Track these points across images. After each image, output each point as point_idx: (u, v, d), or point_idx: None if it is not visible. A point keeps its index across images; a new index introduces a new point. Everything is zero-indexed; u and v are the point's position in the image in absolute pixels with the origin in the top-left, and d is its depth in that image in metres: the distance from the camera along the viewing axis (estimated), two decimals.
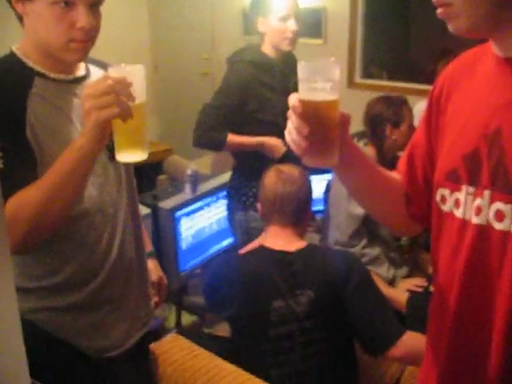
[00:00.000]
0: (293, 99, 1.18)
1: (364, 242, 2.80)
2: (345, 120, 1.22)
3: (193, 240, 3.45)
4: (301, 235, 2.24)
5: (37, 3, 1.48)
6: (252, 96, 2.92)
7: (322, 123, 1.17)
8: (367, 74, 5.75)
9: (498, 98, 1.12)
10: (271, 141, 2.91)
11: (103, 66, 1.81)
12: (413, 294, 2.71)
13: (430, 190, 1.30)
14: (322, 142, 1.18)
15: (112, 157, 1.67)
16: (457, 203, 1.19)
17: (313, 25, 5.70)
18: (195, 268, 3.48)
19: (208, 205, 3.54)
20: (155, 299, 2.08)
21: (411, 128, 2.85)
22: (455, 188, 1.19)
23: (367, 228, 2.82)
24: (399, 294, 2.73)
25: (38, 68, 1.56)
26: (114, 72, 1.35)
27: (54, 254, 1.63)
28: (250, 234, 2.93)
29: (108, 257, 1.70)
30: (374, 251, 2.80)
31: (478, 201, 1.13)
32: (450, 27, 1.11)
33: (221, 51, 6.20)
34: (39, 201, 1.39)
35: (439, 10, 1.10)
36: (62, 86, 1.60)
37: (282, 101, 2.92)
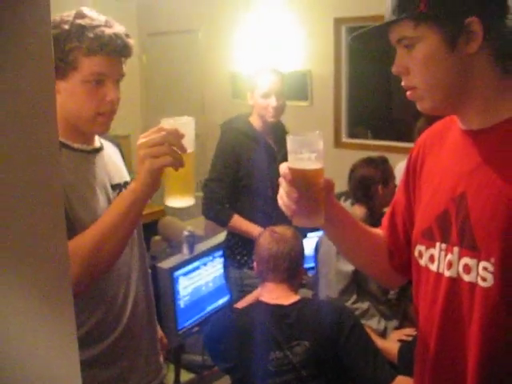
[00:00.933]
0: (283, 168, 1.37)
1: (354, 297, 2.91)
2: (329, 185, 1.39)
3: (191, 298, 3.54)
4: (295, 290, 2.38)
5: (69, 82, 1.64)
6: (242, 163, 3.17)
7: (308, 188, 1.34)
8: (353, 134, 5.96)
9: (461, 166, 1.28)
10: None
11: (109, 139, 1.98)
12: (403, 344, 2.82)
13: (410, 244, 1.45)
14: (309, 204, 1.35)
15: None
16: (431, 258, 1.33)
17: (299, 87, 5.94)
18: (193, 326, 3.56)
19: (205, 264, 3.66)
20: None
21: (395, 185, 3.02)
22: (430, 245, 1.34)
23: (356, 284, 2.95)
24: (391, 344, 2.83)
25: (63, 140, 1.69)
26: (166, 124, 1.50)
27: (76, 309, 1.73)
28: (244, 292, 3.06)
29: (124, 312, 1.82)
30: (364, 305, 2.91)
31: (449, 256, 1.27)
32: (418, 106, 1.29)
33: (211, 114, 6.42)
34: (93, 242, 1.50)
35: (408, 93, 1.28)
36: (84, 157, 1.75)
37: (269, 169, 3.13)
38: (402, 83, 1.28)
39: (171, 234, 5.17)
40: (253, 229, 3.07)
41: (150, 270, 2.08)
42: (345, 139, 5.87)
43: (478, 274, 1.21)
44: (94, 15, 1.68)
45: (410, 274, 1.47)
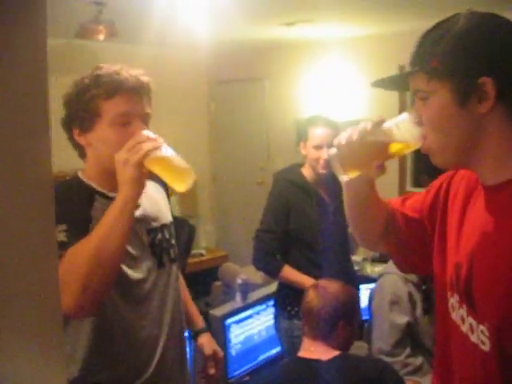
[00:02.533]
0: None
1: (407, 351, 2.83)
2: (381, 169, 1.38)
3: (242, 347, 3.53)
4: (335, 346, 2.30)
5: (98, 130, 1.70)
6: (293, 215, 3.16)
7: (372, 151, 1.37)
8: (417, 183, 5.86)
9: (476, 221, 1.26)
10: None
11: (158, 179, 2.01)
12: None
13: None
14: (359, 157, 1.40)
15: (160, 264, 1.85)
16: (452, 307, 1.32)
17: None
18: (244, 375, 3.54)
19: (258, 313, 3.65)
20: (211, 371, 2.20)
21: None
22: (451, 294, 1.32)
23: (410, 337, 2.86)
24: None
25: (98, 188, 1.76)
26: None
27: (108, 351, 1.76)
28: (294, 343, 3.01)
29: (153, 357, 1.82)
30: (418, 361, 2.82)
31: (461, 311, 1.26)
32: (432, 161, 1.28)
33: (276, 161, 6.47)
34: (91, 251, 1.50)
35: (422, 148, 1.28)
36: None
37: (320, 221, 3.11)
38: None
39: (231, 279, 5.17)
40: (304, 280, 3.03)
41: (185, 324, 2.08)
42: (409, 188, 5.77)
43: (478, 336, 1.20)
44: (111, 66, 1.74)
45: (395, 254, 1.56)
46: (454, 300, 1.30)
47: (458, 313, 1.27)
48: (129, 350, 1.78)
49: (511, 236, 1.14)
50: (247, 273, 4.87)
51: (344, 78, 6.06)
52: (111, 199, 1.72)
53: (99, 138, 1.72)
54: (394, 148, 1.35)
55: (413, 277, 2.91)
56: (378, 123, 1.35)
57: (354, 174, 1.42)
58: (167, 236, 1.94)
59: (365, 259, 4.95)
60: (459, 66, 1.17)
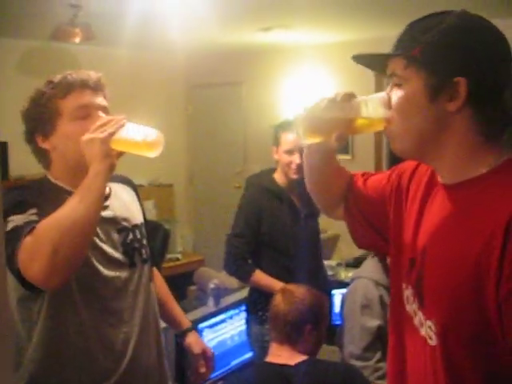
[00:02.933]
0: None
1: (378, 355, 2.83)
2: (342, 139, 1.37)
3: (215, 352, 3.51)
4: (302, 351, 2.29)
5: (59, 128, 1.74)
6: (264, 219, 3.16)
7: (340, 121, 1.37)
8: None
9: (432, 218, 1.26)
10: None
11: (126, 181, 2.03)
12: None
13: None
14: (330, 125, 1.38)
15: (132, 263, 1.86)
16: (407, 299, 1.32)
17: None
18: (217, 380, 3.52)
19: (231, 317, 3.63)
20: (202, 370, 2.21)
21: None
22: (406, 286, 1.33)
23: (381, 342, 2.87)
24: None
25: (69, 188, 1.75)
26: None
27: (75, 350, 1.75)
28: (265, 348, 3.00)
29: (123, 356, 1.81)
30: None
31: (414, 305, 1.28)
32: (392, 148, 1.29)
33: (253, 165, 6.47)
34: (62, 217, 1.52)
35: (385, 132, 1.30)
36: None
37: (292, 227, 3.10)
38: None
39: (206, 284, 5.16)
40: (275, 284, 3.04)
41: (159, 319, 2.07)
42: None
43: (426, 331, 1.21)
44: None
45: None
46: (408, 292, 1.31)
47: (412, 306, 1.29)
48: (96, 348, 1.77)
49: (463, 237, 1.14)
50: (223, 277, 4.86)
51: (319, 84, 6.09)
52: None
53: (63, 136, 1.75)
54: (358, 123, 1.35)
55: (384, 281, 2.93)
56: (349, 96, 1.35)
57: (314, 140, 1.43)
58: (138, 236, 1.94)
59: (339, 264, 4.97)
60: (438, 60, 1.17)
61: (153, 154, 1.67)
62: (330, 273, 4.69)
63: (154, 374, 1.94)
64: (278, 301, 2.40)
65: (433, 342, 1.18)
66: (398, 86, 1.23)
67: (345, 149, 5.98)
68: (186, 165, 7.57)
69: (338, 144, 1.37)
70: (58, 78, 1.77)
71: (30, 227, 1.52)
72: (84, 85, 1.76)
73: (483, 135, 1.18)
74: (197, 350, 2.22)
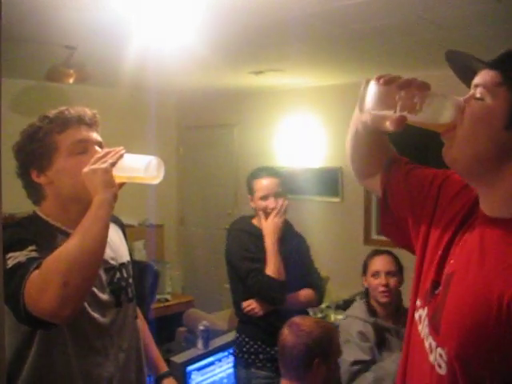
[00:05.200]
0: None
1: None
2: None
3: None
4: None
5: (56, 163, 1.76)
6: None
7: None
8: None
9: (464, 245, 1.24)
10: None
11: (111, 218, 2.03)
12: None
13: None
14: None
15: (118, 303, 1.88)
16: (420, 318, 1.31)
17: (330, 183, 6.00)
18: None
19: (219, 360, 3.61)
20: None
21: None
22: (423, 305, 1.31)
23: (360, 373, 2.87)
24: None
25: (62, 226, 1.77)
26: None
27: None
28: None
29: None
30: None
31: (426, 329, 1.26)
32: (444, 153, 1.24)
33: (243, 207, 6.48)
34: (70, 250, 1.52)
35: (444, 133, 1.23)
36: None
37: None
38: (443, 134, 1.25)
39: (195, 326, 5.13)
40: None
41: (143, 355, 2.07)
42: (374, 236, 5.83)
43: (435, 357, 1.20)
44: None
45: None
46: (423, 313, 1.29)
47: (424, 328, 1.27)
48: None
49: (488, 274, 1.14)
50: (212, 319, 4.84)
51: (311, 126, 6.16)
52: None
53: (60, 171, 1.76)
54: (421, 117, 1.26)
55: (369, 319, 2.97)
56: (426, 87, 1.26)
57: (376, 111, 1.32)
58: (125, 275, 1.96)
59: (328, 307, 4.95)
60: None
61: (155, 180, 1.72)
62: (319, 315, 4.68)
63: None
64: (285, 334, 2.34)
65: (442, 370, 1.17)
66: (481, 99, 1.18)
67: (334, 191, 6.01)
68: (176, 205, 7.58)
69: (395, 128, 1.26)
70: (53, 113, 1.80)
71: (35, 262, 1.52)
72: (80, 120, 1.80)
73: None
74: None
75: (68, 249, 1.53)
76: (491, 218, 1.20)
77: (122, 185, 1.72)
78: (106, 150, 1.74)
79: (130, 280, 1.98)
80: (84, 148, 1.78)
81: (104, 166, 1.65)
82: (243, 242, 3.17)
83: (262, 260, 3.08)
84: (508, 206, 1.18)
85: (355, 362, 2.84)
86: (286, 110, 6.34)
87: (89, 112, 1.84)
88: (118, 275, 1.92)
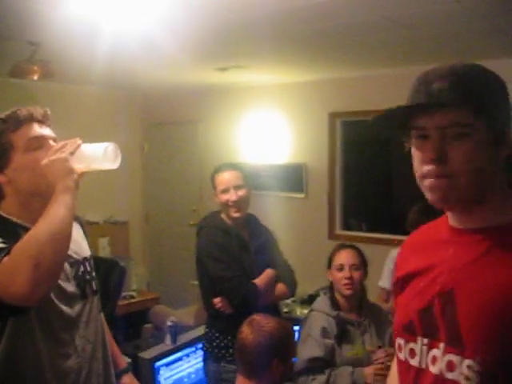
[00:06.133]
0: None
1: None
2: None
3: None
4: None
5: (14, 161, 1.79)
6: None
7: None
8: (347, 226, 6.01)
9: (451, 262, 1.29)
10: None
11: (75, 218, 2.05)
12: None
13: None
14: None
15: (83, 295, 1.92)
16: (412, 353, 1.33)
17: (295, 179, 6.06)
18: None
19: (187, 355, 3.64)
20: None
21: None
22: (410, 339, 1.34)
23: (315, 371, 2.92)
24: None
25: (22, 222, 1.79)
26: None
27: (30, 379, 1.79)
28: None
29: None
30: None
31: (435, 351, 1.26)
32: (432, 196, 1.28)
33: (208, 204, 6.50)
34: (39, 233, 1.57)
35: (434, 181, 1.26)
36: None
37: (242, 260, 3.13)
38: (433, 170, 1.25)
39: (161, 322, 5.13)
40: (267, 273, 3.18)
41: (109, 348, 2.11)
42: (339, 231, 5.91)
43: (461, 372, 1.20)
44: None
45: None
46: (416, 345, 1.32)
47: (426, 356, 1.29)
48: (50, 379, 1.80)
49: (497, 271, 1.20)
50: (179, 315, 4.85)
51: (275, 123, 6.21)
52: None
53: (17, 168, 1.80)
54: None
55: (333, 313, 3.02)
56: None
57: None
58: (89, 269, 2.01)
59: (294, 301, 5.01)
60: (498, 109, 1.25)
61: (114, 165, 1.78)
62: (285, 310, 4.73)
63: None
64: (246, 333, 2.34)
65: (470, 382, 1.18)
66: (461, 136, 1.22)
67: (298, 187, 6.07)
68: (141, 202, 7.56)
69: None
70: (5, 114, 1.84)
71: (3, 251, 1.56)
72: (32, 118, 1.84)
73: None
74: None
75: (37, 232, 1.58)
76: (470, 230, 1.29)
77: (82, 175, 1.77)
78: (62, 142, 1.80)
79: (94, 274, 2.03)
80: (39, 144, 1.82)
81: (63, 155, 1.72)
82: (215, 240, 3.18)
83: (235, 258, 3.12)
84: (489, 216, 1.27)
85: (311, 360, 2.90)
86: (250, 107, 6.38)
87: (40, 110, 1.88)
88: (81, 268, 1.96)
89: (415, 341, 1.32)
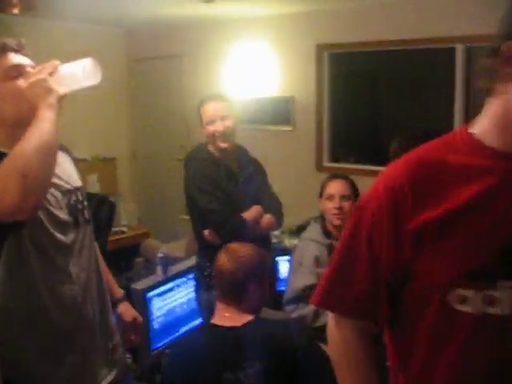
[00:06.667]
0: None
1: (299, 312, 3.01)
2: None
3: (164, 319, 3.60)
4: (247, 310, 2.33)
5: None
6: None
7: None
8: (335, 158, 6.04)
9: None
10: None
11: (63, 148, 2.08)
12: None
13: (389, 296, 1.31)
14: None
15: (76, 223, 1.96)
16: (492, 301, 1.17)
17: (282, 112, 6.07)
18: (167, 347, 3.61)
19: (179, 286, 3.72)
20: (132, 337, 2.33)
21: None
22: (486, 287, 1.17)
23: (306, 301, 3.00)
24: None
25: (5, 150, 1.76)
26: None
27: (29, 305, 1.85)
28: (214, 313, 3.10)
29: (72, 314, 1.93)
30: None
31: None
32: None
33: (195, 138, 6.49)
34: (25, 146, 1.61)
35: None
36: None
37: (231, 191, 3.15)
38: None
39: (152, 255, 5.22)
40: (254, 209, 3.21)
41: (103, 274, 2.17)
42: (327, 163, 5.95)
43: None
44: None
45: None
46: (495, 291, 1.17)
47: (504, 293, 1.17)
48: (48, 304, 1.86)
49: None
50: (170, 248, 4.93)
51: (262, 56, 6.16)
52: None
53: None
54: None
55: (325, 241, 3.09)
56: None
57: None
58: (80, 198, 2.03)
59: (283, 232, 5.08)
60: None
61: (95, 80, 1.80)
62: (274, 240, 4.80)
63: (97, 329, 2.04)
64: (223, 260, 2.39)
65: None
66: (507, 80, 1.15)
67: (286, 120, 6.07)
68: (128, 138, 7.54)
69: None
70: None
71: None
72: (7, 48, 1.83)
73: None
74: (127, 317, 2.33)
75: (22, 146, 1.61)
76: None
77: (63, 96, 1.78)
78: (40, 66, 1.81)
79: (85, 203, 2.05)
80: (18, 72, 1.81)
81: (41, 76, 1.75)
82: (202, 172, 3.20)
83: (223, 190, 3.15)
84: None
85: (305, 288, 2.97)
86: (237, 40, 6.30)
87: (12, 40, 1.87)
88: (73, 198, 1.99)
89: (494, 287, 1.16)
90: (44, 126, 1.66)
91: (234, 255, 2.39)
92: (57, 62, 1.80)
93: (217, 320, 2.34)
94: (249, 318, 2.29)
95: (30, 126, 1.67)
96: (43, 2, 4.46)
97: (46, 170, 1.66)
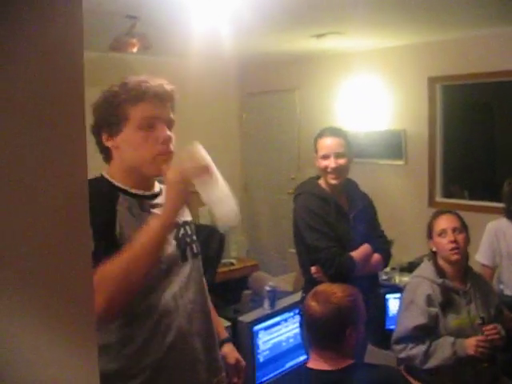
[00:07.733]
0: None
1: (409, 352, 2.91)
2: None
3: (270, 353, 3.58)
4: (346, 355, 2.23)
5: (125, 132, 1.84)
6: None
7: None
8: (449, 194, 5.85)
9: None
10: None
11: None
12: None
13: None
14: None
15: (184, 257, 1.97)
16: None
17: (394, 146, 5.95)
18: (273, 381, 3.58)
19: (285, 320, 3.69)
20: (235, 380, 2.27)
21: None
22: None
23: (420, 340, 2.90)
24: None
25: (121, 185, 1.87)
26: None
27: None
28: None
29: (174, 347, 1.89)
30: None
31: None
32: None
33: (306, 171, 6.50)
34: (120, 272, 1.63)
35: None
36: (142, 201, 1.90)
37: (340, 228, 3.10)
38: None
39: (260, 288, 5.23)
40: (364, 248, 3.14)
41: (225, 324, 2.13)
42: (439, 199, 5.77)
43: None
44: (138, 76, 1.89)
45: None
46: None
47: None
48: (152, 336, 1.85)
49: None
50: (278, 281, 4.93)
51: (373, 89, 6.10)
52: (132, 195, 1.88)
53: (126, 140, 1.85)
54: None
55: (438, 280, 2.97)
56: None
57: None
58: (189, 232, 2.05)
59: (393, 269, 4.96)
60: None
61: (221, 223, 1.82)
62: (384, 277, 4.70)
63: (200, 363, 1.99)
64: (313, 306, 2.27)
65: None
66: None
67: (398, 154, 5.96)
68: (240, 170, 7.66)
69: None
70: (132, 82, 1.85)
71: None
72: (156, 95, 1.84)
73: None
74: (231, 360, 2.29)
75: (118, 272, 1.63)
76: None
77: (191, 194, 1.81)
78: (207, 158, 1.83)
79: (194, 237, 2.07)
80: (153, 123, 1.84)
81: (193, 179, 1.77)
82: (311, 208, 3.16)
83: (331, 226, 3.11)
84: None
85: (416, 328, 2.87)
86: (347, 73, 6.29)
87: (167, 87, 1.88)
88: (182, 231, 2.01)
89: None
90: (147, 247, 1.67)
91: (323, 300, 2.27)
92: (214, 169, 1.83)
93: (313, 365, 2.27)
94: (346, 362, 2.21)
95: (136, 240, 1.68)
96: (158, 40, 4.65)
97: (132, 292, 1.69)
